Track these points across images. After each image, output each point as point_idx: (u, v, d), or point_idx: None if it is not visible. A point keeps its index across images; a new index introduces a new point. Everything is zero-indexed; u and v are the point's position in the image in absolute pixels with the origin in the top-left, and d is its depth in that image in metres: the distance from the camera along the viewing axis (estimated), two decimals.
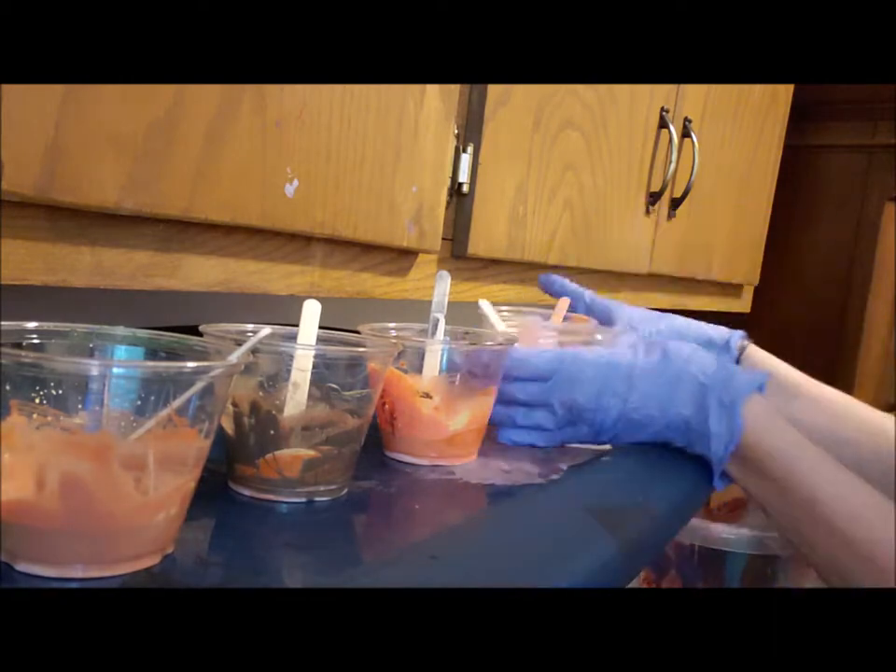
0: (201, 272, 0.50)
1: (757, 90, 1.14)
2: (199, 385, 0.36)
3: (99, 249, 0.45)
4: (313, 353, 0.48)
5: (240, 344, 0.41)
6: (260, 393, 0.48)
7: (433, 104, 0.61)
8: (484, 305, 0.70)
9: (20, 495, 0.34)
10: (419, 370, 0.59)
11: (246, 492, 0.48)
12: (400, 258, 0.66)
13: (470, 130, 0.69)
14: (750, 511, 1.23)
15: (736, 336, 0.74)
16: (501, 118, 0.70)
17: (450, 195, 0.68)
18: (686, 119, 0.98)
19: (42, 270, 0.42)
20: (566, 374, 0.59)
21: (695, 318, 0.74)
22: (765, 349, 0.75)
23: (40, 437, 0.34)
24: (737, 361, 0.74)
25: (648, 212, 0.96)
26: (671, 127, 0.93)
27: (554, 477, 0.59)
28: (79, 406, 0.35)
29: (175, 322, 0.68)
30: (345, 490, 0.51)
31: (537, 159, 0.76)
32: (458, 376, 0.60)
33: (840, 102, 1.35)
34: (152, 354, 0.42)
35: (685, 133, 0.98)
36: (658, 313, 0.72)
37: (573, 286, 0.71)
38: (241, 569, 0.38)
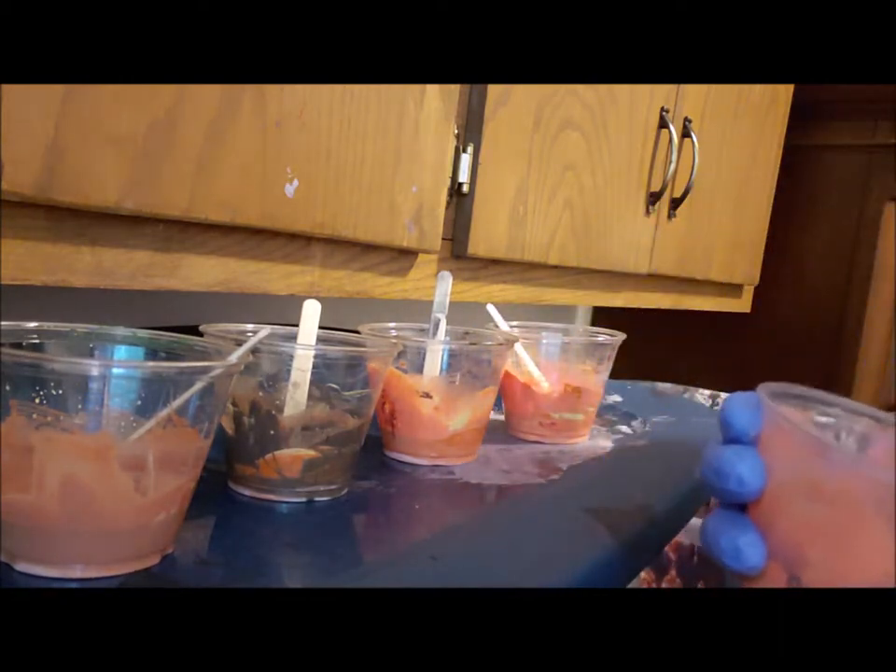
0: (201, 271, 0.50)
1: (757, 89, 1.13)
2: (199, 386, 0.36)
3: (99, 249, 0.45)
4: (313, 353, 0.48)
5: (240, 344, 0.41)
6: (260, 393, 0.48)
7: (433, 104, 0.61)
8: (490, 308, 0.70)
9: (19, 495, 0.34)
10: (419, 370, 0.59)
11: (246, 492, 0.48)
12: (400, 258, 0.66)
13: (470, 130, 0.69)
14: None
15: None
16: (501, 118, 0.70)
17: (450, 195, 0.68)
18: (686, 119, 0.98)
19: (42, 270, 0.42)
20: None
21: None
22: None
23: (40, 437, 0.34)
24: None
25: (648, 212, 0.95)
26: (671, 127, 0.93)
27: (554, 477, 0.59)
28: (79, 406, 0.35)
29: (176, 322, 0.68)
30: (345, 490, 0.51)
31: (537, 159, 0.76)
32: (458, 376, 0.60)
33: (840, 101, 1.35)
34: (152, 354, 0.43)
35: (685, 133, 0.98)
36: None
37: None
38: (241, 569, 0.38)
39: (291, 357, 0.47)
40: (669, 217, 1.00)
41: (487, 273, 0.77)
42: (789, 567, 0.29)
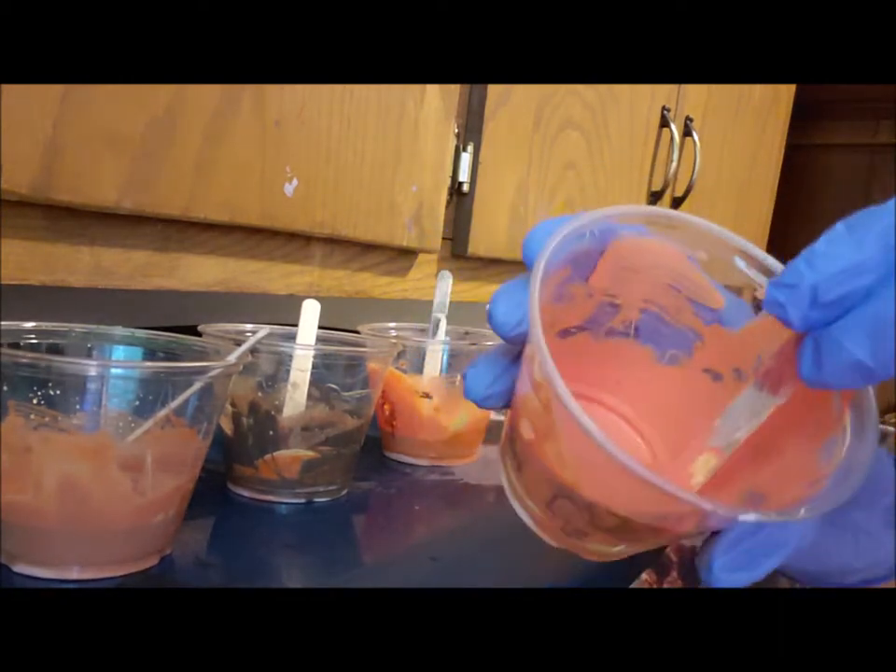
0: (200, 271, 0.50)
1: (758, 89, 1.13)
2: (197, 386, 0.36)
3: (98, 249, 0.45)
4: (312, 353, 0.48)
5: (239, 344, 0.41)
6: (259, 393, 0.48)
7: (433, 103, 0.61)
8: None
9: (17, 496, 0.33)
10: (419, 370, 0.59)
11: (245, 493, 0.48)
12: (400, 257, 0.66)
13: (471, 129, 0.69)
14: None
15: None
16: (501, 117, 0.70)
17: (450, 194, 0.68)
18: (687, 118, 0.98)
19: (40, 269, 0.42)
20: None
21: None
22: None
23: (38, 438, 0.34)
24: None
25: None
26: (672, 126, 0.93)
27: None
28: (77, 407, 0.35)
29: (174, 322, 0.68)
30: (345, 491, 0.51)
31: (537, 158, 0.76)
32: (458, 376, 0.60)
33: (842, 101, 1.34)
34: (151, 354, 0.42)
35: (686, 133, 0.98)
36: None
37: None
38: (239, 571, 0.38)
39: (290, 358, 0.47)
40: None
41: (487, 273, 0.77)
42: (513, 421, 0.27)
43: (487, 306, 0.27)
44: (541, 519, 0.28)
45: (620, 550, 0.28)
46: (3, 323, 0.38)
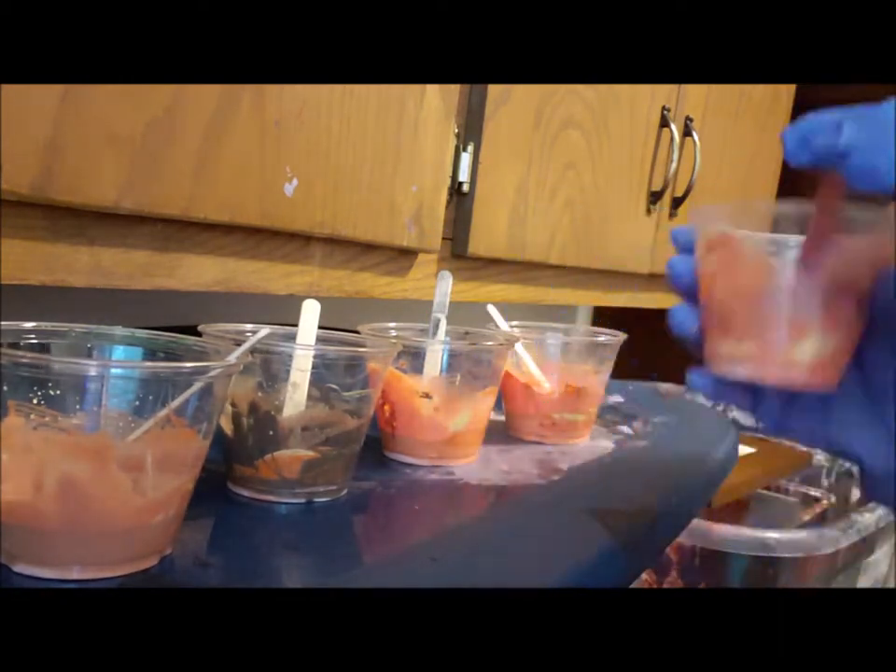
0: (200, 271, 0.50)
1: (759, 88, 1.13)
2: (197, 386, 0.36)
3: (97, 249, 0.45)
4: (312, 353, 0.48)
5: (239, 344, 0.41)
6: (259, 393, 0.48)
7: (433, 103, 0.61)
8: (491, 308, 0.70)
9: (17, 496, 0.33)
10: (419, 370, 0.59)
11: (245, 493, 0.48)
12: (400, 257, 0.66)
13: (471, 129, 0.69)
14: (751, 512, 1.23)
15: None
16: (502, 116, 0.70)
17: (450, 194, 0.68)
18: (687, 118, 0.98)
19: (40, 269, 0.42)
20: None
21: None
22: None
23: (38, 438, 0.34)
24: None
25: (649, 211, 0.95)
26: (672, 126, 0.93)
27: (555, 478, 0.59)
28: (77, 406, 0.35)
29: (174, 322, 0.68)
30: (345, 491, 0.51)
31: (537, 158, 0.76)
32: (458, 376, 0.60)
33: (843, 101, 1.34)
34: (151, 354, 0.42)
35: (686, 132, 0.98)
36: None
37: None
38: (239, 571, 0.38)
39: (290, 358, 0.47)
40: (670, 216, 1.00)
41: (487, 273, 0.77)
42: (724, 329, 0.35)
43: (666, 268, 0.37)
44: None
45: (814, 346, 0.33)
46: (3, 323, 0.38)
